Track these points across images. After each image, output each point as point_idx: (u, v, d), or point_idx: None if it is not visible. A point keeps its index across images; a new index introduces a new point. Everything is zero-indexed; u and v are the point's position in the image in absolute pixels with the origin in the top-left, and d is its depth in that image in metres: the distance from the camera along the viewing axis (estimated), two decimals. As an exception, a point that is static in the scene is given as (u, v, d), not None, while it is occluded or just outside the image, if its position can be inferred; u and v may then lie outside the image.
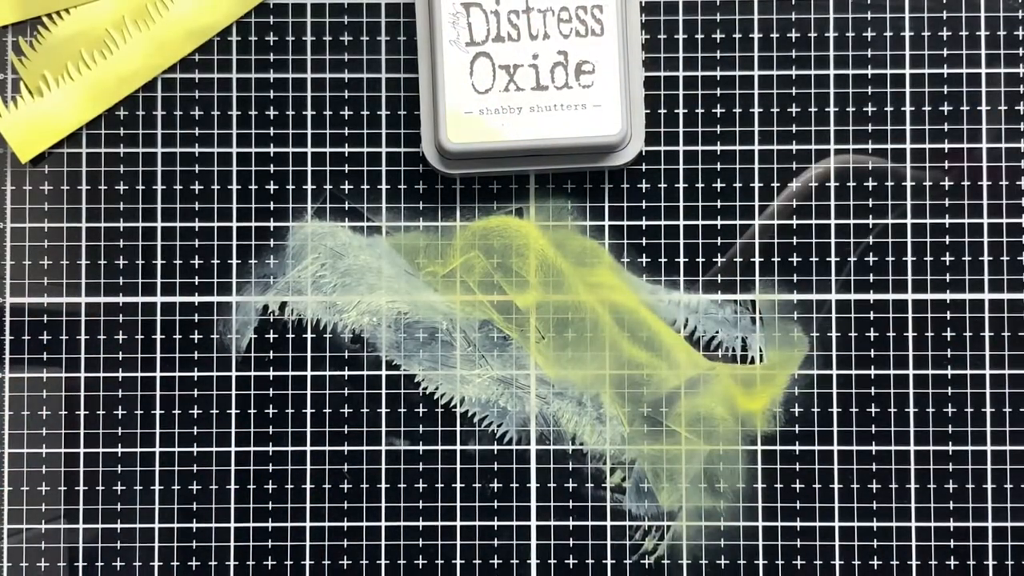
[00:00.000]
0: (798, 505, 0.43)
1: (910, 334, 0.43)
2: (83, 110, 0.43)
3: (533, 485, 0.43)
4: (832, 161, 0.44)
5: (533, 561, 0.43)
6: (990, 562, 0.43)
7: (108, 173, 0.44)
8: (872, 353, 0.43)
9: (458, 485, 0.43)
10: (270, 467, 0.43)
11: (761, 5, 0.44)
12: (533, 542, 0.43)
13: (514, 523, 0.43)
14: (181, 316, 0.44)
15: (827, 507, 0.43)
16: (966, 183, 0.44)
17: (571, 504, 0.43)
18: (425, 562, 0.43)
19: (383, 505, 0.43)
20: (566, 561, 0.43)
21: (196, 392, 0.43)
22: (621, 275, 0.44)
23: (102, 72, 0.43)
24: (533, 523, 0.43)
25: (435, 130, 0.41)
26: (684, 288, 0.44)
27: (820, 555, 0.43)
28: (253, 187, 0.44)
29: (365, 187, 0.44)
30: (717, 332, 0.43)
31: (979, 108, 0.44)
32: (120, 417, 0.43)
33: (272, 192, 0.44)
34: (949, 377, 0.43)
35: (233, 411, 0.43)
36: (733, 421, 0.43)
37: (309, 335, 0.44)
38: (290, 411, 0.43)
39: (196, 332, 0.43)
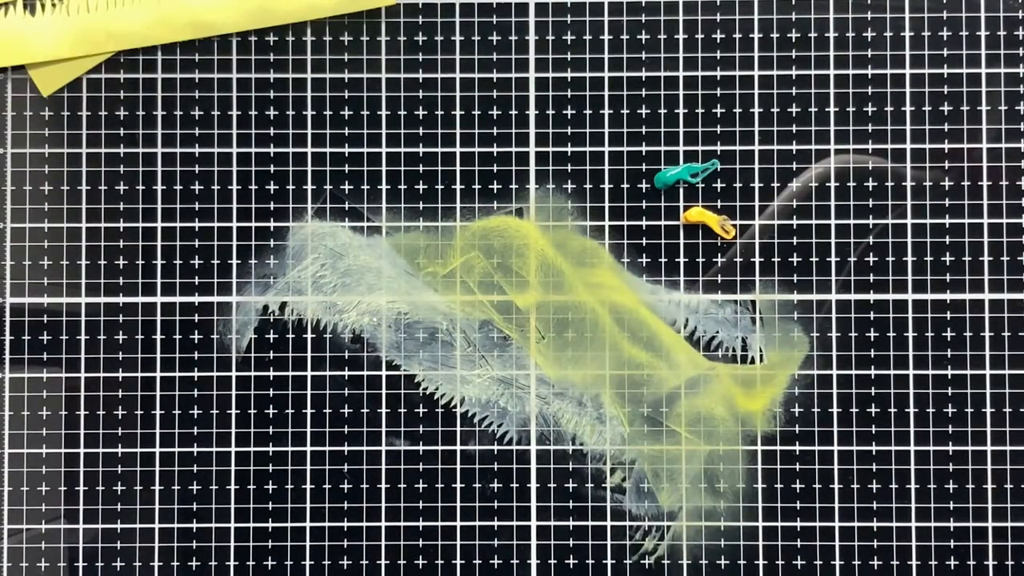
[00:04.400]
0: (798, 505, 0.43)
1: (910, 334, 0.43)
2: (63, 45, 0.43)
3: (533, 485, 0.43)
4: (832, 161, 0.44)
5: (533, 561, 0.43)
6: (990, 562, 0.43)
7: (108, 173, 0.44)
8: (872, 353, 0.43)
9: (458, 485, 0.43)
10: (270, 467, 0.43)
11: (761, 5, 0.44)
12: (533, 542, 0.43)
13: (514, 523, 0.43)
14: (181, 316, 0.44)
15: (827, 507, 0.43)
16: (966, 183, 0.44)
17: (571, 504, 0.43)
18: (425, 562, 0.43)
19: (383, 505, 0.43)
20: (566, 561, 0.43)
21: (196, 392, 0.43)
22: (621, 275, 0.44)
23: (96, 19, 0.42)
24: (533, 523, 0.43)
25: None
26: (684, 288, 0.44)
27: (820, 555, 0.43)
28: (253, 187, 0.44)
29: (365, 187, 0.44)
30: (717, 332, 0.43)
31: (979, 108, 0.44)
32: (120, 417, 0.43)
33: (272, 192, 0.44)
34: (949, 377, 0.43)
35: (233, 411, 0.43)
36: (733, 421, 0.43)
37: (309, 335, 0.44)
38: (290, 411, 0.43)
39: (196, 332, 0.43)
